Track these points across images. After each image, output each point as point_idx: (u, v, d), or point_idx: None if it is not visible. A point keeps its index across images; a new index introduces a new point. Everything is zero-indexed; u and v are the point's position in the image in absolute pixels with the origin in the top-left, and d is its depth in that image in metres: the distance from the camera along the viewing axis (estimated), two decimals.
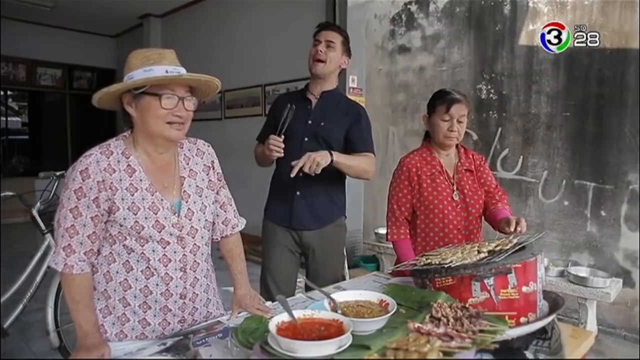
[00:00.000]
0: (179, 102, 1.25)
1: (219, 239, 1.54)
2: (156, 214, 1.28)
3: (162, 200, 1.30)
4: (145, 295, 1.30)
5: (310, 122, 2.07)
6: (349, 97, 4.43)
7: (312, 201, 2.08)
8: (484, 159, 2.07)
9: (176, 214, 1.32)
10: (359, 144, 2.08)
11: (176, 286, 1.33)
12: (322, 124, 2.07)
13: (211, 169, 1.46)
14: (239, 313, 1.46)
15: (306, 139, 2.04)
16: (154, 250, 1.29)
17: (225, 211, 1.53)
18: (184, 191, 1.36)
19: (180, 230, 1.32)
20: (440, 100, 1.88)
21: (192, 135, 1.49)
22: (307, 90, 2.17)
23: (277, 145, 1.90)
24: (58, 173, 3.06)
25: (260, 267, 2.19)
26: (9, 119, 8.59)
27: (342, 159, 1.92)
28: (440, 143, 1.92)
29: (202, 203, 1.40)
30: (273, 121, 2.07)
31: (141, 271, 1.29)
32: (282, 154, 1.92)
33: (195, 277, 1.38)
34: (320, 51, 2.05)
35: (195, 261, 1.37)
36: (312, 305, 1.23)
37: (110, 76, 8.45)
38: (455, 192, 1.90)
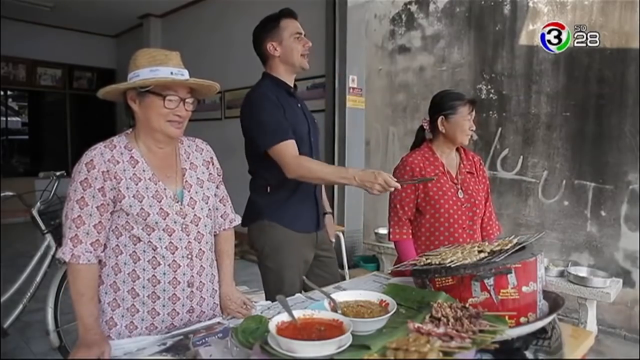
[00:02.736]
0: (180, 103, 1.31)
1: (217, 232, 1.57)
2: (160, 202, 1.32)
3: (165, 189, 1.35)
4: (154, 285, 1.33)
5: (308, 120, 2.00)
6: (348, 97, 4.48)
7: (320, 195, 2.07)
8: (482, 160, 2.10)
9: (179, 202, 1.37)
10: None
11: (183, 274, 1.36)
12: (316, 120, 2.07)
13: (211, 163, 1.52)
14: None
15: (312, 139, 1.99)
16: (160, 239, 1.32)
17: (224, 205, 1.58)
18: (186, 181, 1.41)
19: (184, 218, 1.36)
20: (460, 102, 1.90)
21: (192, 135, 1.53)
22: (287, 85, 1.95)
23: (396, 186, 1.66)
24: (58, 173, 3.06)
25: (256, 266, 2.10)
26: (9, 119, 8.60)
27: None
28: (460, 142, 1.94)
29: (204, 194, 1.44)
30: (282, 112, 1.84)
31: (148, 261, 1.32)
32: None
33: (202, 266, 1.42)
34: (309, 47, 1.95)
35: (200, 249, 1.41)
36: (312, 305, 1.23)
37: (110, 76, 8.46)
38: (460, 191, 1.91)
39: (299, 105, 1.99)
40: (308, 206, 1.95)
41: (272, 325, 1.00)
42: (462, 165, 1.98)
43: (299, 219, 1.94)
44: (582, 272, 3.20)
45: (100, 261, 1.32)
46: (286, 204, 1.90)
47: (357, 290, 1.31)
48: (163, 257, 1.33)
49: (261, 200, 1.94)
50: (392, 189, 1.65)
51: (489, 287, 1.19)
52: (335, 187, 4.59)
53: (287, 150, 1.78)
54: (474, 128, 1.93)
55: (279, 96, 1.88)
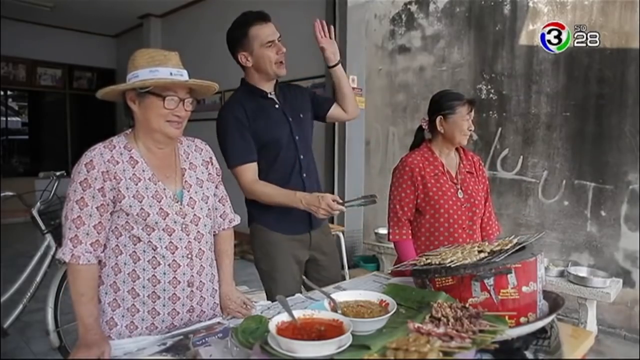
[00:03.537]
0: (179, 103, 1.31)
1: (216, 232, 1.57)
2: (160, 202, 1.33)
3: (164, 189, 1.35)
4: (154, 285, 1.33)
5: (291, 119, 1.95)
6: None
7: (314, 189, 1.99)
8: (481, 161, 2.10)
9: (179, 202, 1.37)
10: (328, 101, 2.12)
11: (183, 274, 1.37)
12: (301, 115, 2.00)
13: (210, 164, 1.52)
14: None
15: (297, 137, 1.95)
16: (160, 239, 1.32)
17: (223, 205, 1.58)
18: (185, 181, 1.41)
19: (184, 218, 1.37)
20: (458, 102, 1.90)
21: (193, 135, 1.53)
22: (262, 91, 1.93)
23: (340, 210, 1.74)
24: (58, 173, 3.07)
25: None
26: (9, 119, 8.59)
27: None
28: (459, 142, 1.94)
29: (204, 193, 1.45)
30: (247, 132, 1.85)
31: (148, 261, 1.32)
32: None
33: (202, 265, 1.42)
34: (283, 53, 1.88)
35: (200, 249, 1.41)
36: (312, 305, 1.23)
37: (110, 76, 8.46)
38: (459, 191, 1.91)
39: (277, 106, 1.94)
40: (296, 209, 1.85)
41: (272, 325, 1.00)
42: (461, 165, 1.98)
43: (285, 222, 1.92)
44: (582, 272, 3.20)
45: (100, 261, 1.32)
46: (270, 208, 1.88)
47: (357, 290, 1.31)
48: (163, 257, 1.33)
49: (250, 205, 1.97)
50: (337, 212, 1.73)
51: (489, 287, 1.19)
52: (335, 186, 4.59)
53: (245, 174, 1.84)
54: (472, 128, 1.93)
55: (251, 106, 1.87)
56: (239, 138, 1.84)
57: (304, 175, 1.96)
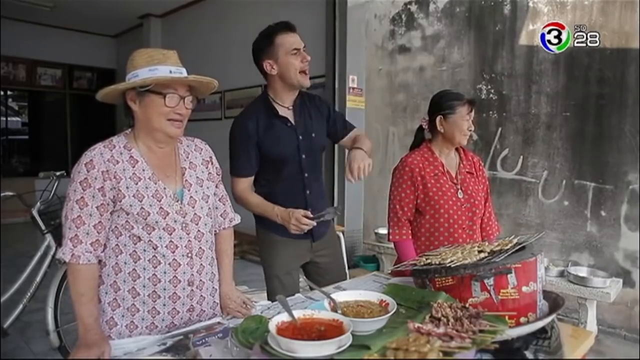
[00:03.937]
0: (180, 101, 1.32)
1: (217, 231, 1.58)
2: (160, 201, 1.33)
3: (164, 188, 1.35)
4: (154, 284, 1.33)
5: (301, 137, 1.93)
6: (348, 97, 4.48)
7: (318, 207, 1.98)
8: (481, 161, 2.10)
9: (179, 202, 1.37)
10: (345, 126, 2.10)
11: (184, 272, 1.37)
12: (313, 134, 1.97)
13: (210, 163, 1.52)
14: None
15: (304, 156, 1.94)
16: (160, 238, 1.33)
17: (223, 204, 1.59)
18: (186, 180, 1.41)
19: (184, 217, 1.37)
20: (458, 102, 1.90)
21: (193, 135, 1.53)
22: (277, 105, 1.92)
23: (309, 224, 1.79)
24: (58, 173, 3.07)
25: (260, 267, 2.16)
26: (9, 119, 8.59)
27: (368, 150, 1.87)
28: (459, 142, 1.94)
29: (204, 192, 1.45)
30: (253, 146, 1.88)
31: (148, 260, 1.32)
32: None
33: (202, 265, 1.42)
34: (308, 62, 1.88)
35: (200, 248, 1.42)
36: (312, 305, 1.24)
37: (110, 76, 8.46)
38: (459, 191, 1.91)
39: (289, 124, 1.92)
40: None
41: (272, 325, 1.00)
42: (461, 165, 1.99)
43: (285, 228, 1.89)
44: (582, 272, 3.20)
45: (100, 261, 1.32)
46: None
47: (357, 290, 1.31)
48: (163, 256, 1.33)
49: None
50: (306, 228, 1.78)
51: (489, 287, 1.19)
52: (335, 187, 4.59)
53: (240, 184, 1.94)
54: (472, 128, 1.93)
55: (263, 121, 1.89)
56: (243, 151, 1.90)
57: (307, 192, 1.96)
